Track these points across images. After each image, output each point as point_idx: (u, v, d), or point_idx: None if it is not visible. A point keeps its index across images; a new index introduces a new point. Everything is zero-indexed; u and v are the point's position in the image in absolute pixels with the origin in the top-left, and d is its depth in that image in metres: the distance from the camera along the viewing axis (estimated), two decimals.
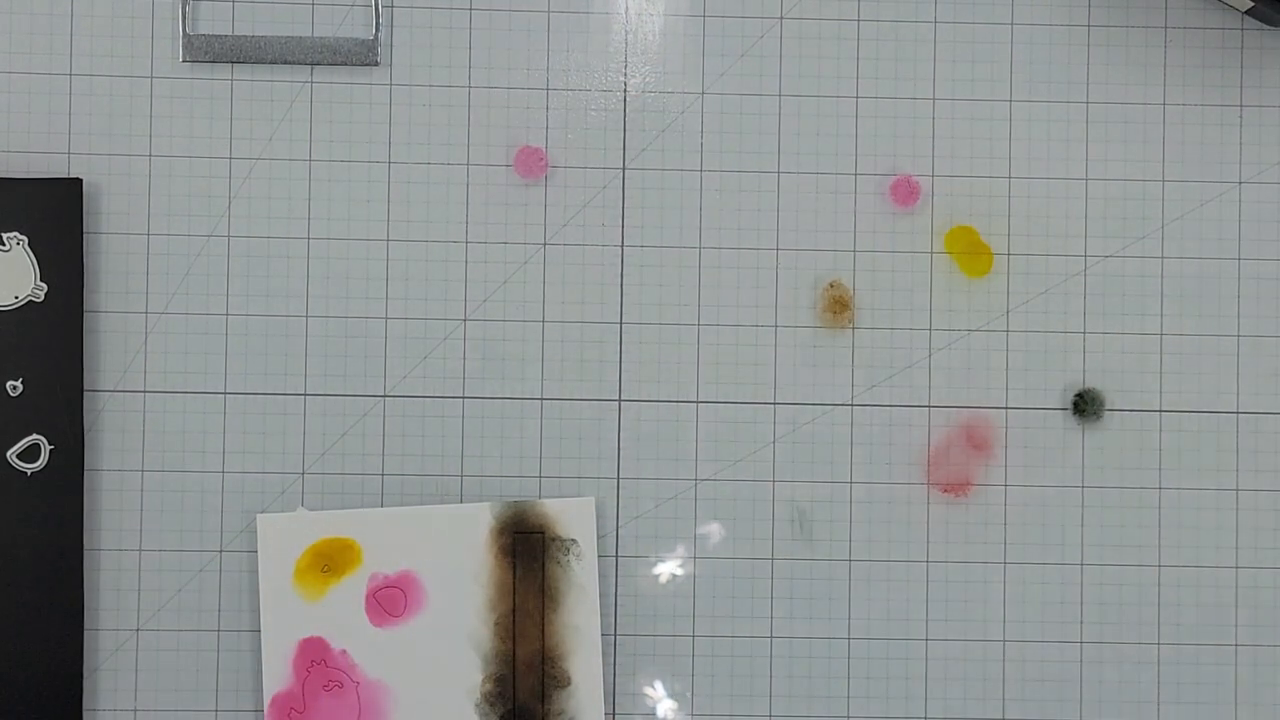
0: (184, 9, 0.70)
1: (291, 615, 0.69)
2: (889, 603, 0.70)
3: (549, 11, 0.71)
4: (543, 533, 0.69)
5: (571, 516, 0.69)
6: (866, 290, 0.71)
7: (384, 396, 0.70)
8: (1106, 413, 0.70)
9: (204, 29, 0.70)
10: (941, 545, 0.71)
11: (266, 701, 0.68)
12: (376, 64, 0.70)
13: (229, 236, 0.70)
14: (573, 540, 0.69)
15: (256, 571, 0.69)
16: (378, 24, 0.70)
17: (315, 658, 0.69)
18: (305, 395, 0.70)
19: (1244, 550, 0.71)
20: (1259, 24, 0.71)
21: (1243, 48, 0.71)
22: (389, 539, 0.69)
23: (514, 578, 0.69)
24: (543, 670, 0.69)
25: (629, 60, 0.71)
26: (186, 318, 0.70)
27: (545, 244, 0.70)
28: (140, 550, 0.69)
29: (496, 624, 0.69)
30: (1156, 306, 0.71)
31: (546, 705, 0.69)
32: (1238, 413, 0.71)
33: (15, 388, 0.68)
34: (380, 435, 0.70)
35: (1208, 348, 0.71)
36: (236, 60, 0.70)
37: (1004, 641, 0.70)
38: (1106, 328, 0.71)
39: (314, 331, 0.70)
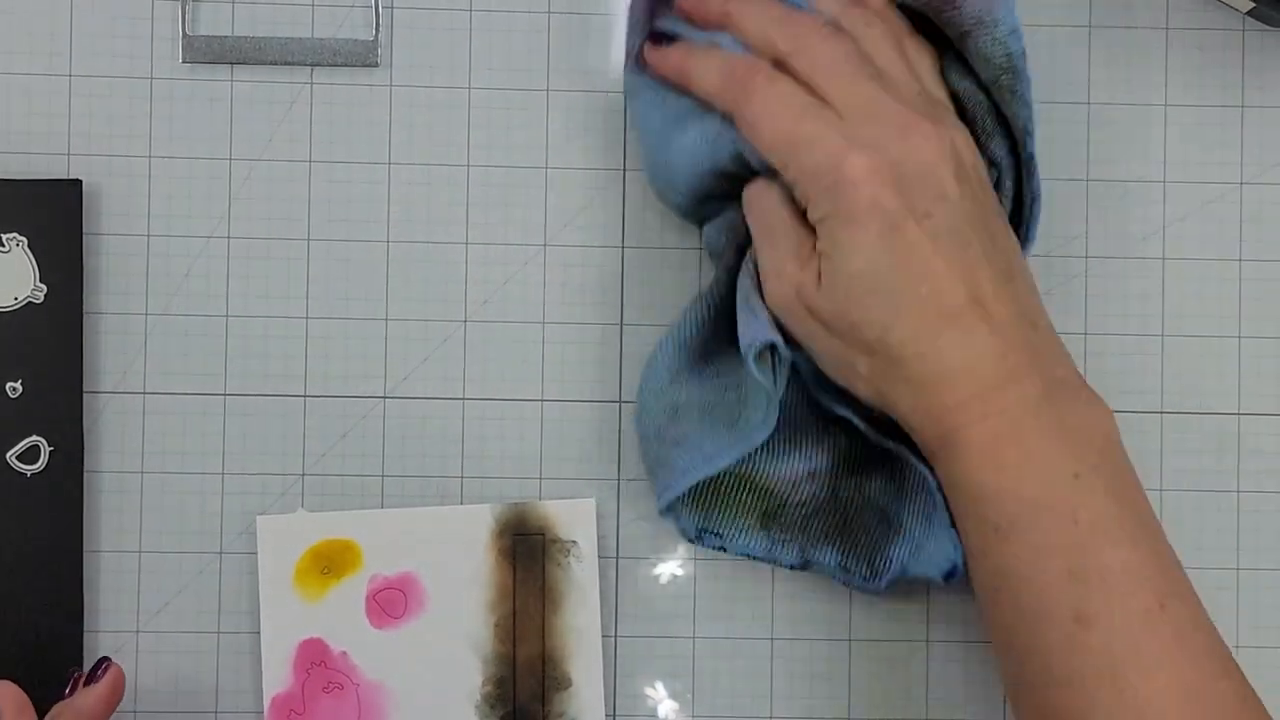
0: (184, 10, 0.70)
1: (291, 617, 0.68)
2: (889, 604, 0.70)
3: (549, 12, 0.71)
4: (543, 534, 0.69)
5: (572, 518, 0.69)
6: None
7: (384, 398, 0.70)
8: None
9: (204, 30, 0.70)
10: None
11: (266, 703, 0.68)
12: (376, 65, 0.70)
13: (229, 238, 0.70)
14: (573, 542, 0.69)
15: (256, 573, 0.69)
16: (378, 25, 0.70)
17: (315, 659, 0.68)
18: (305, 397, 0.70)
19: (1244, 552, 0.71)
20: (1260, 25, 0.71)
21: (1244, 48, 0.71)
22: (389, 540, 0.69)
23: (514, 579, 0.69)
24: (543, 672, 0.69)
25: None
26: (186, 319, 0.70)
27: (545, 245, 0.70)
28: (140, 552, 0.69)
29: (497, 626, 0.69)
30: (1158, 307, 0.71)
31: (547, 707, 0.69)
32: (1239, 414, 0.71)
33: (15, 389, 0.68)
34: (380, 437, 0.70)
35: (1209, 349, 0.71)
36: (236, 61, 0.70)
37: None
38: (1107, 328, 0.71)
39: (314, 333, 0.70)
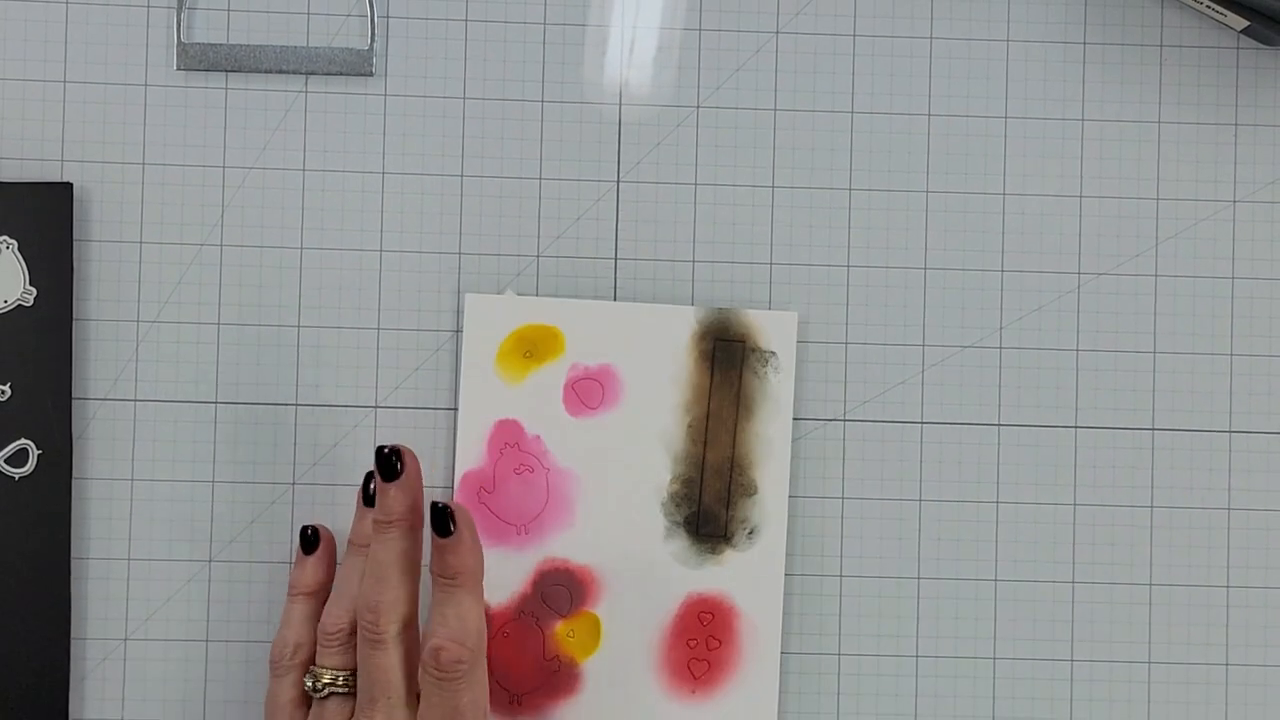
0: (179, 17, 0.70)
1: (490, 396, 0.69)
2: (880, 619, 0.70)
3: (545, 24, 0.71)
4: (743, 342, 0.69)
5: (774, 329, 0.69)
6: (860, 305, 0.71)
7: (375, 407, 0.70)
8: (1101, 431, 0.70)
9: (199, 38, 0.70)
10: (933, 562, 0.70)
11: (458, 478, 0.68)
12: (371, 74, 0.70)
13: (222, 245, 0.70)
14: (772, 353, 0.69)
15: (246, 582, 0.69)
16: (373, 34, 0.70)
17: (509, 440, 0.68)
18: (296, 405, 0.70)
19: (1235, 569, 0.70)
20: (1254, 43, 0.71)
21: (1238, 66, 0.71)
22: (593, 331, 0.69)
23: (711, 383, 0.69)
24: (730, 477, 0.69)
25: (624, 73, 0.71)
26: (178, 326, 0.70)
27: (539, 256, 0.70)
28: (129, 559, 0.69)
29: (690, 427, 0.69)
30: (1150, 324, 0.71)
31: (731, 511, 0.68)
32: (1230, 431, 0.71)
33: (3, 392, 0.68)
34: (371, 447, 0.70)
35: (1201, 366, 0.71)
36: (231, 69, 0.70)
37: (994, 659, 0.70)
38: (1099, 345, 0.71)
39: (306, 342, 0.70)
